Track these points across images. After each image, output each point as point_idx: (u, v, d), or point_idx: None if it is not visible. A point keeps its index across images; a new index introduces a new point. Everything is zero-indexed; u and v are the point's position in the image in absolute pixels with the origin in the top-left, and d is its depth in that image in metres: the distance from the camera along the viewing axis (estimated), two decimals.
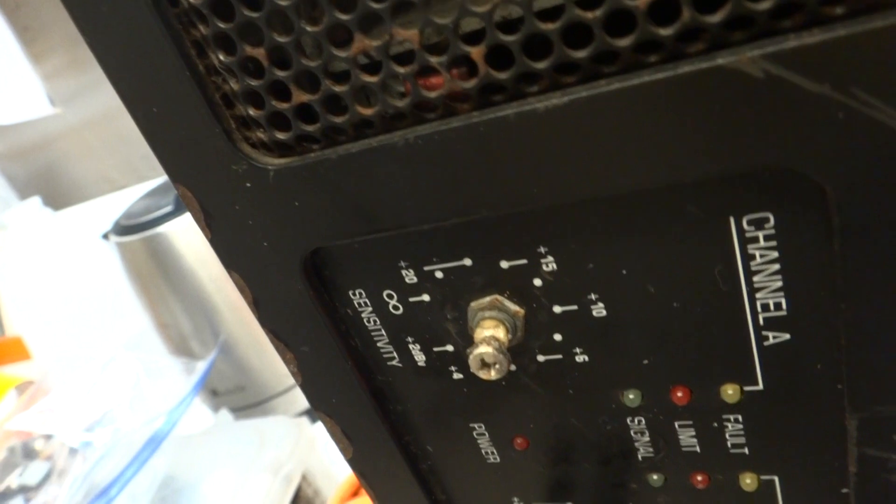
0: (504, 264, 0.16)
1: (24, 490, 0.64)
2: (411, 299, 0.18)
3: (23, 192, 0.99)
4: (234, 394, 0.76)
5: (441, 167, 0.14)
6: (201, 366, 0.70)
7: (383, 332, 0.19)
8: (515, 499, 0.22)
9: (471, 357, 0.16)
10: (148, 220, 0.68)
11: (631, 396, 0.17)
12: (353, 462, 0.22)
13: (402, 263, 0.17)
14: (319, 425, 0.68)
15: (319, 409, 0.21)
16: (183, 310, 0.73)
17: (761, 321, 0.15)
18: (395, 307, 0.18)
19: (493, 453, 0.21)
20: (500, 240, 0.16)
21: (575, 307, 0.16)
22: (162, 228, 0.67)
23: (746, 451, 0.18)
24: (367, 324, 0.19)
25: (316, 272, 0.18)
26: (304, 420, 0.67)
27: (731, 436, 0.17)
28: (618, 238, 0.15)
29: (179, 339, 0.75)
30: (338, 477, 0.65)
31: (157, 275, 0.71)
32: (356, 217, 0.16)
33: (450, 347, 0.18)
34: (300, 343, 0.19)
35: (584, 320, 0.16)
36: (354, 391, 0.20)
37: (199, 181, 0.17)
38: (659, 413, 0.18)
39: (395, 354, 0.19)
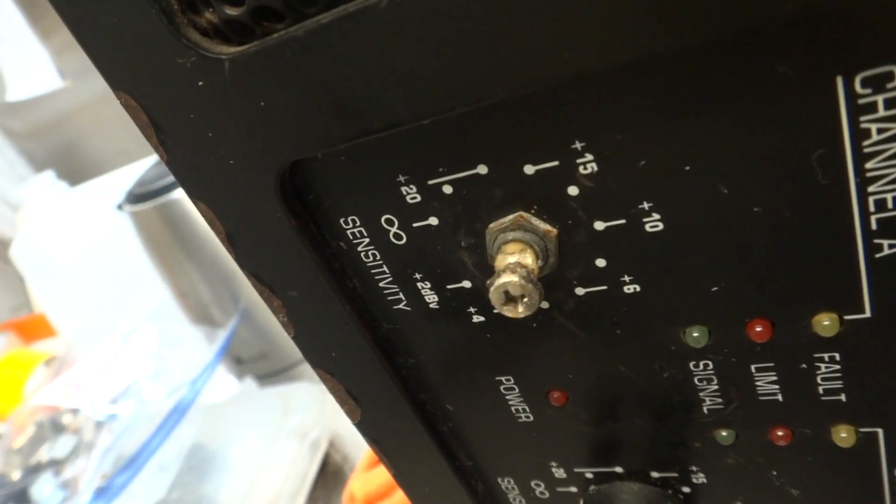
0: (529, 169, 0.13)
1: (53, 463, 0.63)
2: (416, 224, 0.14)
3: (41, 170, 0.97)
4: (257, 361, 0.74)
5: (439, 32, 0.11)
6: (222, 334, 0.68)
7: (385, 268, 0.15)
8: (553, 463, 0.18)
9: (492, 290, 0.13)
10: (160, 187, 0.65)
11: (695, 335, 0.14)
12: (362, 427, 0.19)
13: (402, 178, 0.14)
14: None
15: (317, 365, 0.18)
16: (201, 277, 0.70)
17: (874, 225, 0.11)
18: (397, 236, 0.15)
19: (524, 411, 0.17)
20: (522, 136, 0.12)
21: (622, 221, 0.13)
22: (175, 194, 0.64)
23: (843, 397, 0.14)
24: (364, 259, 0.15)
25: (297, 196, 0.14)
26: None
27: (823, 379, 0.14)
28: (679, 121, 0.11)
29: (200, 308, 0.73)
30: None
31: (173, 243, 0.69)
32: (337, 116, 0.12)
33: (466, 283, 0.15)
34: (287, 287, 0.16)
35: (635, 238, 0.13)
36: (356, 342, 0.16)
37: (141, 83, 0.13)
38: (731, 354, 0.14)
39: (401, 296, 0.16)
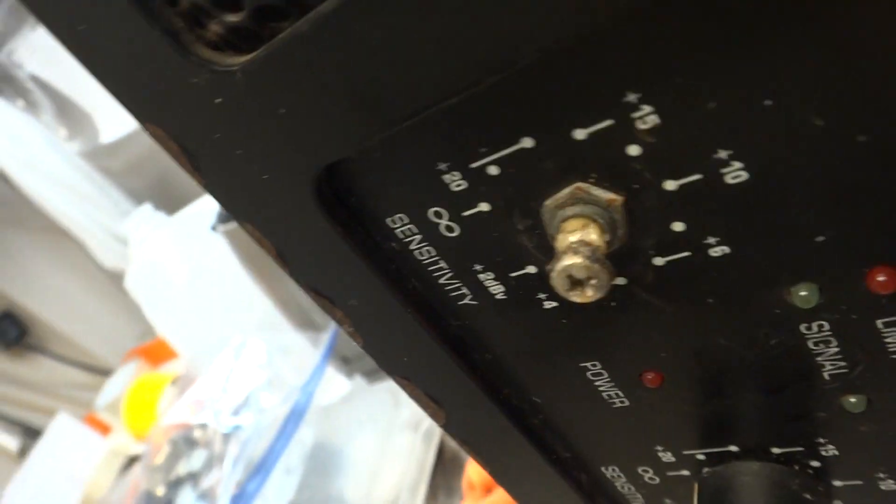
0: (580, 134, 0.11)
1: (191, 477, 0.67)
2: (466, 213, 0.13)
3: (140, 203, 1.04)
4: (363, 359, 0.75)
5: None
6: (325, 337, 0.70)
7: (443, 263, 0.14)
8: (659, 448, 0.17)
9: (553, 275, 0.11)
10: None
11: (803, 294, 0.12)
12: (450, 429, 0.18)
13: (442, 165, 0.12)
14: None
15: (393, 372, 0.17)
16: (297, 285, 0.72)
17: None
18: (449, 228, 0.13)
19: (618, 395, 0.16)
20: (565, 98, 0.11)
21: (698, 176, 0.11)
22: None
23: None
24: (420, 258, 0.14)
25: (339, 202, 0.14)
26: None
27: None
28: (749, 48, 0.09)
29: (301, 314, 0.75)
30: None
31: (267, 255, 0.71)
32: (359, 110, 0.11)
33: (531, 269, 0.14)
34: (346, 297, 0.15)
35: (715, 193, 0.11)
36: (426, 344, 0.15)
37: (163, 111, 0.13)
38: (850, 311, 0.12)
39: (465, 290, 0.15)
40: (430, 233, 0.14)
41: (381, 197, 0.13)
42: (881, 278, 0.11)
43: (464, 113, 0.11)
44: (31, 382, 1.13)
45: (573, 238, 0.11)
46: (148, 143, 1.04)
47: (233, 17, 0.11)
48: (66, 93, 1.01)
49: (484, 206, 0.13)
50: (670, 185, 0.11)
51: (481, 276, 0.14)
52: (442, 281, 0.15)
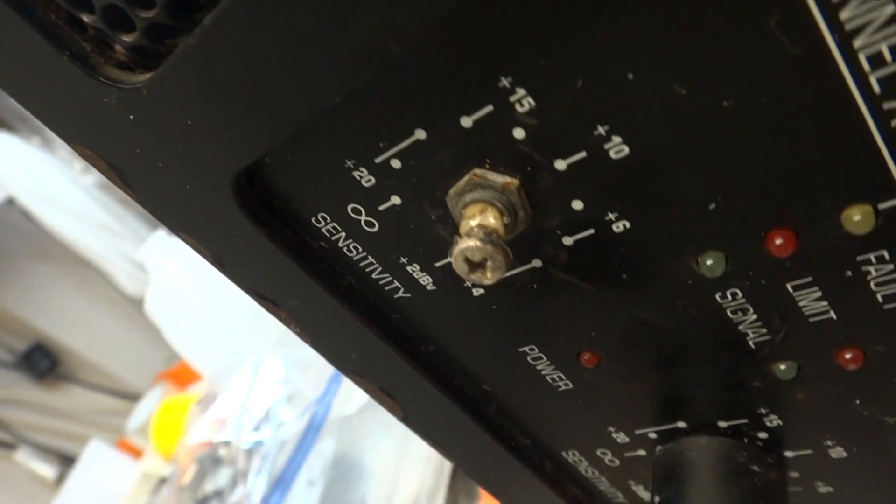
0: (466, 122, 0.11)
1: (217, 494, 0.68)
2: (381, 207, 0.13)
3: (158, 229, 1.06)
4: None
5: (307, 6, 0.10)
6: None
7: (371, 259, 0.15)
8: (611, 429, 0.17)
9: (452, 260, 0.12)
10: None
11: (709, 263, 0.12)
12: (408, 423, 0.18)
13: (349, 163, 0.13)
14: None
15: (345, 370, 0.17)
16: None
17: (875, 87, 0.09)
18: (369, 223, 0.14)
19: (560, 378, 0.16)
20: (445, 88, 0.11)
21: (583, 154, 0.11)
22: None
23: None
24: (349, 254, 0.15)
25: (263, 205, 0.14)
26: None
27: (878, 284, 0.11)
28: (601, 22, 0.10)
29: None
30: None
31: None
32: (257, 115, 0.12)
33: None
34: (286, 298, 0.16)
35: (603, 169, 0.11)
36: (369, 340, 0.16)
37: (87, 132, 0.13)
38: (758, 276, 0.12)
39: (396, 284, 0.15)
40: (352, 229, 0.14)
41: (302, 197, 0.14)
42: (779, 241, 0.11)
43: (357, 110, 0.12)
44: (64, 411, 1.16)
45: (473, 223, 0.12)
46: None
47: (128, 37, 0.12)
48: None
49: (396, 200, 0.13)
50: (560, 164, 0.11)
51: (409, 269, 0.15)
52: (374, 276, 0.15)
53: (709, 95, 0.10)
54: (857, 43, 0.09)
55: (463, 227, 0.12)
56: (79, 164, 1.03)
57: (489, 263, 0.11)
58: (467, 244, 0.11)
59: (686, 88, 0.10)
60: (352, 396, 0.76)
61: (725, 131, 0.10)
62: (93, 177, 1.02)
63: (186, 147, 0.13)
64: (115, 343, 1.15)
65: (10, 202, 1.00)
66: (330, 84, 0.11)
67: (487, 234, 0.11)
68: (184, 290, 0.84)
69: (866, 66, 0.09)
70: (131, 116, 0.13)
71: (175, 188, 0.14)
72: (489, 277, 0.12)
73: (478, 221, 0.12)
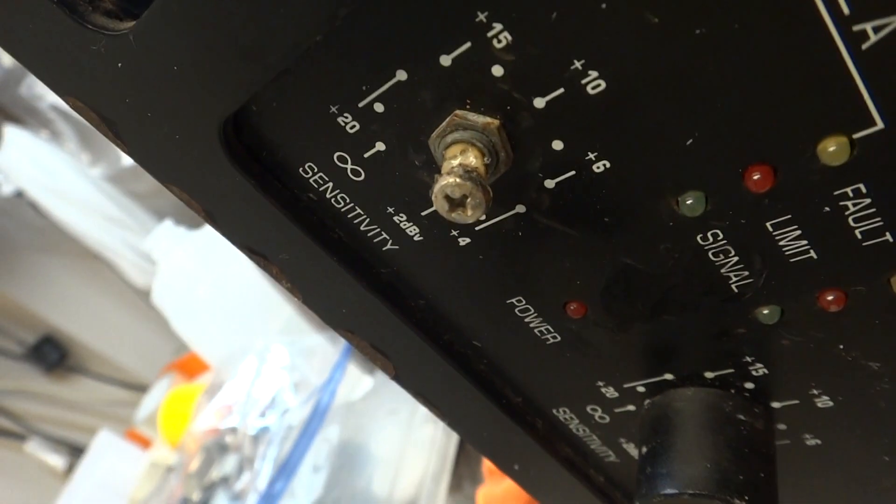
0: (445, 60, 0.12)
1: (224, 481, 0.69)
2: (366, 154, 0.14)
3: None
4: None
5: None
6: None
7: (359, 209, 0.15)
8: (600, 383, 0.17)
9: (433, 198, 0.12)
10: None
11: (689, 202, 0.12)
12: (401, 380, 0.18)
13: (333, 108, 0.13)
14: None
15: (335, 325, 0.17)
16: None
17: (844, 7, 0.09)
18: (355, 172, 0.14)
19: (548, 331, 0.16)
20: (423, 25, 0.11)
21: (561, 90, 0.11)
22: None
23: (889, 237, 0.12)
24: (337, 205, 0.15)
25: (251, 156, 0.14)
26: None
27: (856, 220, 0.12)
28: None
29: None
30: None
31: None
32: (242, 59, 0.12)
33: None
34: (277, 251, 0.16)
35: (582, 106, 0.11)
36: (360, 294, 0.16)
37: (78, 83, 0.14)
38: (738, 216, 0.12)
39: (384, 235, 0.15)
40: (339, 179, 0.14)
41: (289, 147, 0.14)
42: (756, 176, 0.11)
43: (338, 53, 0.12)
44: (73, 402, 1.17)
45: (454, 162, 0.12)
46: None
47: None
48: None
49: (381, 146, 0.13)
50: (539, 102, 0.12)
51: (396, 219, 0.15)
52: (363, 228, 0.15)
53: (681, 22, 0.10)
54: None
55: (444, 168, 0.12)
56: (86, 156, 1.04)
57: (469, 201, 0.11)
58: (447, 181, 0.11)
59: (658, 16, 0.10)
60: (357, 383, 0.76)
61: (698, 61, 0.10)
62: (100, 169, 1.03)
63: (173, 95, 0.13)
64: (123, 334, 1.16)
65: (19, 195, 1.01)
66: (310, 21, 0.11)
67: (467, 172, 0.12)
68: (190, 280, 0.85)
69: None
70: (119, 64, 0.13)
71: (165, 139, 0.14)
72: (469, 215, 0.12)
73: (458, 161, 0.12)
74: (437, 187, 0.12)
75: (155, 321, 1.06)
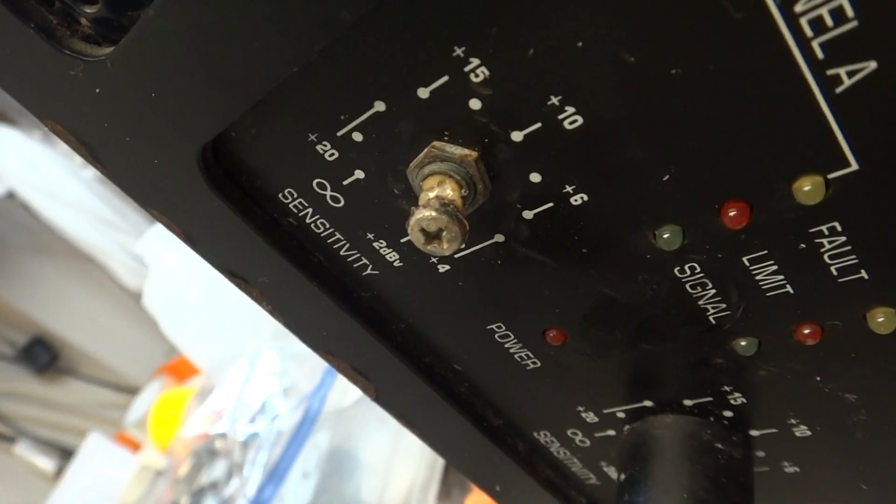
0: (423, 93, 0.11)
1: (213, 486, 0.69)
2: (345, 182, 0.14)
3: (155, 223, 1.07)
4: None
5: None
6: None
7: (338, 235, 0.15)
8: (580, 408, 0.17)
9: (409, 231, 0.12)
10: None
11: (666, 236, 0.12)
12: (381, 402, 0.18)
13: (312, 136, 0.13)
14: None
15: (316, 347, 0.17)
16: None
17: (819, 52, 0.09)
18: (334, 198, 0.14)
19: (528, 357, 0.16)
20: (400, 58, 0.11)
21: (538, 125, 0.11)
22: None
23: (864, 274, 0.12)
24: (316, 230, 0.15)
25: (231, 181, 0.14)
26: None
27: (832, 257, 0.12)
28: None
29: None
30: None
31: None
32: (219, 88, 0.12)
33: None
34: (257, 275, 0.16)
35: (558, 140, 0.11)
36: (339, 317, 0.16)
37: (55, 107, 0.14)
38: (714, 250, 0.12)
39: (364, 260, 0.15)
40: (319, 205, 0.14)
41: (269, 173, 0.14)
42: (733, 213, 0.11)
43: (317, 83, 0.12)
44: (63, 405, 1.16)
45: (431, 194, 0.12)
46: None
47: (91, 9, 0.12)
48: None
49: (359, 174, 0.13)
50: (517, 135, 0.12)
51: (376, 245, 0.15)
52: (343, 252, 0.15)
53: (657, 63, 0.10)
54: (797, 7, 0.09)
55: (421, 199, 0.12)
56: (79, 157, 1.03)
57: (445, 234, 0.11)
58: (423, 214, 0.11)
59: (634, 55, 0.10)
60: (347, 390, 0.76)
61: (674, 100, 0.10)
62: (93, 171, 1.03)
63: (152, 120, 0.13)
64: (114, 337, 1.15)
65: (11, 195, 1.01)
66: (286, 54, 0.11)
67: (444, 205, 0.11)
68: (182, 284, 0.85)
69: (808, 30, 0.09)
70: (97, 90, 0.13)
71: (143, 163, 0.14)
72: (445, 248, 0.12)
73: (435, 193, 0.12)
74: (413, 220, 0.12)
75: (146, 324, 1.05)
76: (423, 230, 0.12)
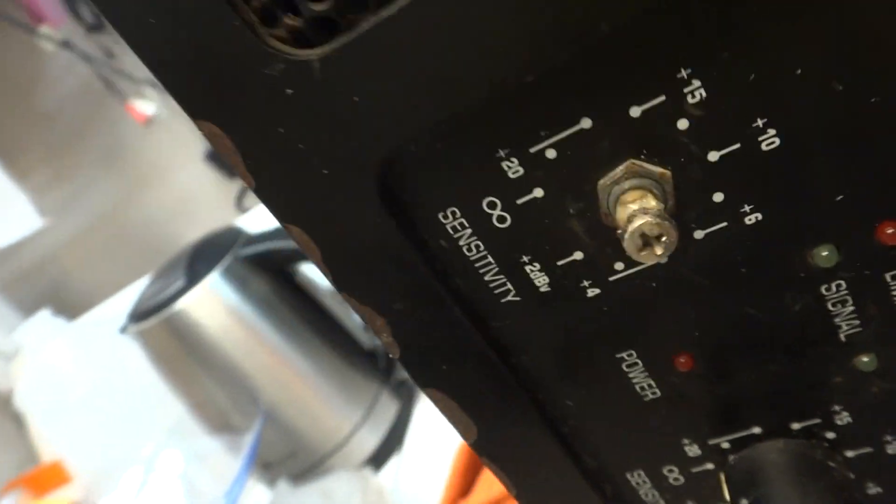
0: (635, 112, 0.12)
1: None
2: (520, 201, 0.14)
3: (32, 314, 0.95)
4: (287, 461, 0.71)
5: None
6: (248, 439, 0.66)
7: (490, 258, 0.15)
8: (685, 441, 0.17)
9: (627, 236, 0.12)
10: (162, 301, 0.64)
11: (824, 254, 0.14)
12: (478, 445, 0.18)
13: (502, 152, 0.13)
14: (385, 473, 0.63)
15: (428, 384, 0.17)
16: (217, 384, 0.69)
17: None
18: (501, 218, 0.14)
19: (650, 386, 0.16)
20: (625, 76, 0.12)
21: (737, 146, 0.13)
22: (178, 305, 0.64)
23: None
24: (468, 253, 0.15)
25: (393, 198, 0.14)
26: (367, 471, 0.63)
27: None
28: (787, 19, 0.11)
29: (220, 417, 0.71)
30: None
31: (183, 355, 0.68)
32: (436, 93, 0.12)
33: (578, 255, 0.15)
34: (391, 300, 0.15)
35: (752, 161, 0.13)
36: (469, 348, 0.16)
37: (224, 106, 0.13)
38: (863, 266, 0.14)
39: (509, 286, 0.15)
40: (481, 225, 0.14)
41: (437, 190, 0.14)
42: (890, 230, 0.13)
43: (530, 95, 0.13)
44: None
45: (635, 206, 0.13)
46: (41, 248, 0.97)
47: (318, 6, 0.12)
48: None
49: (538, 192, 0.14)
50: (713, 156, 0.13)
51: (528, 269, 0.15)
52: (487, 278, 0.15)
53: (863, 91, 0.12)
54: None
55: (621, 213, 0.13)
56: None
57: (664, 239, 0.12)
58: (645, 220, 0.12)
59: (843, 84, 0.12)
60: (256, 496, 0.70)
61: (866, 126, 0.12)
62: None
63: (344, 125, 0.13)
64: None
65: None
66: (522, 60, 0.12)
67: (659, 212, 0.12)
68: (66, 378, 0.76)
69: None
70: (289, 90, 0.13)
71: (308, 173, 0.14)
72: (660, 254, 0.12)
73: (639, 205, 0.13)
74: (632, 227, 0.12)
75: None
76: (643, 235, 0.12)
